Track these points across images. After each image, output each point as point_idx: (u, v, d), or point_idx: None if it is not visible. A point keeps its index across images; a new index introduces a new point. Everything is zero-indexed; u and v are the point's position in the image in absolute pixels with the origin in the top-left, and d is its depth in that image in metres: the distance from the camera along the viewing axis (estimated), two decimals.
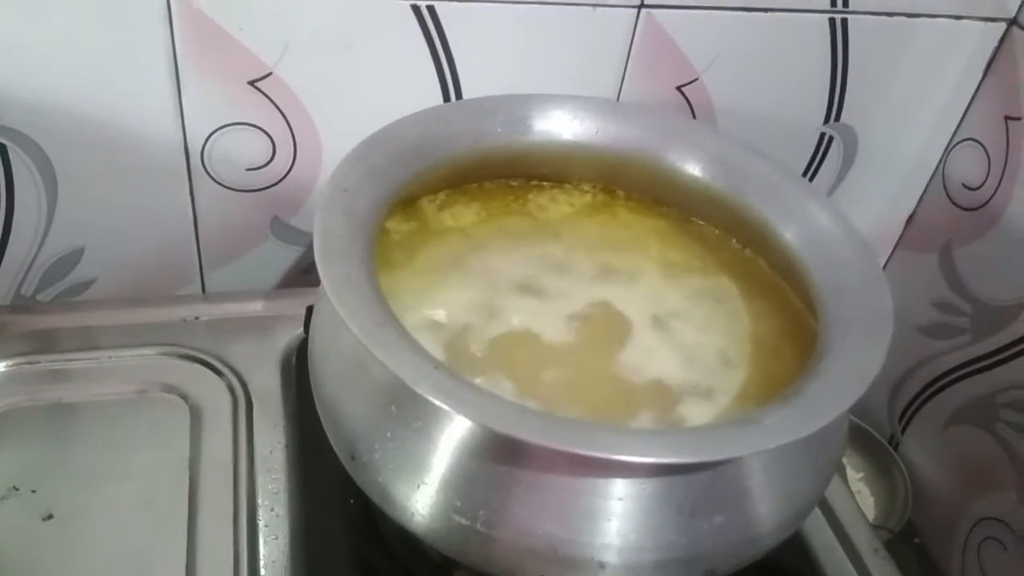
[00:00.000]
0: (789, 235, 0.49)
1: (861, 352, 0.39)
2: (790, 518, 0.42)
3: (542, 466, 0.37)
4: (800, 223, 0.49)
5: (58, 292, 0.62)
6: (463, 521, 0.38)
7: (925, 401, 0.76)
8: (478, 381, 0.44)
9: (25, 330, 0.58)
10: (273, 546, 0.47)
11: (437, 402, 0.34)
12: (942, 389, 0.74)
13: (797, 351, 0.47)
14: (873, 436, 0.78)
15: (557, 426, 0.36)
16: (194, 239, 0.62)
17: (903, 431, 0.78)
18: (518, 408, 0.37)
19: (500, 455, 0.37)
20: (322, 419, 0.44)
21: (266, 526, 0.48)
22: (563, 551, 0.37)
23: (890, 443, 0.78)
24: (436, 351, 0.45)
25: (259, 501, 0.49)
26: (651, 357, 0.46)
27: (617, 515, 0.37)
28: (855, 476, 0.78)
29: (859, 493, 0.77)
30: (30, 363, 0.56)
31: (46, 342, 0.57)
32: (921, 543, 0.75)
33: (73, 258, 0.61)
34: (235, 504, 0.49)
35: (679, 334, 0.48)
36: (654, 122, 0.53)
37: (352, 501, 0.49)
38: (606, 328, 0.48)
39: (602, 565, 0.37)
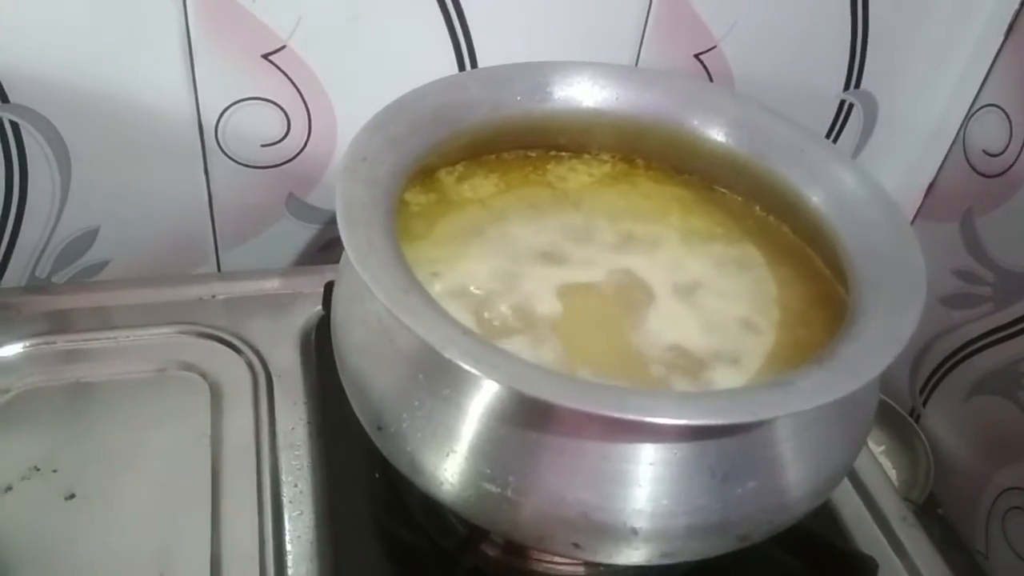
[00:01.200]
0: (816, 199, 0.48)
1: (895, 313, 0.38)
2: (822, 484, 0.41)
3: (572, 431, 0.36)
4: (826, 186, 0.48)
5: (73, 273, 0.62)
6: (493, 488, 0.37)
7: (947, 373, 0.75)
8: (506, 347, 0.43)
9: (41, 311, 0.58)
10: (298, 522, 0.47)
11: (466, 366, 0.34)
12: (964, 360, 0.73)
13: (827, 317, 0.46)
14: (894, 409, 0.77)
15: (587, 389, 0.36)
16: (209, 218, 0.62)
17: (924, 403, 0.77)
18: (547, 372, 0.37)
19: (530, 420, 0.37)
20: (347, 391, 0.43)
21: (290, 502, 0.48)
22: (594, 517, 0.37)
23: (911, 416, 0.78)
24: (463, 318, 0.45)
25: (282, 478, 0.49)
26: (674, 325, 0.46)
27: (648, 480, 0.37)
28: (876, 449, 0.77)
29: (881, 466, 0.76)
30: (47, 343, 0.55)
31: (62, 323, 0.57)
32: (944, 515, 0.74)
33: (87, 239, 0.61)
34: (258, 481, 0.49)
35: (702, 301, 0.47)
36: (674, 87, 0.53)
37: (377, 475, 0.49)
38: (629, 296, 0.47)
39: (634, 531, 0.37)
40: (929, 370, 0.76)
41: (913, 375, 0.78)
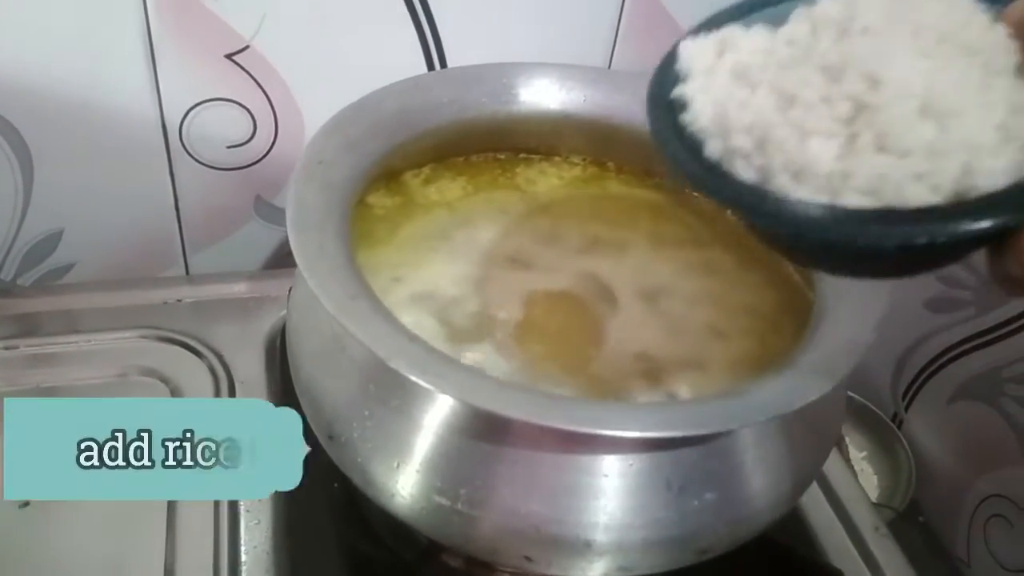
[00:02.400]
0: None
1: (856, 322, 0.38)
2: (786, 494, 0.40)
3: (524, 443, 0.36)
4: None
5: (38, 276, 0.61)
6: (444, 501, 0.37)
7: (929, 377, 0.74)
8: (468, 354, 0.43)
9: (5, 314, 0.57)
10: (255, 531, 0.46)
11: (412, 377, 0.33)
12: (946, 364, 0.72)
13: (797, 324, 0.45)
14: (876, 414, 0.76)
15: (537, 401, 0.35)
16: (176, 220, 0.61)
17: (907, 408, 0.76)
18: (497, 383, 0.36)
19: (481, 432, 0.36)
20: (300, 399, 0.43)
21: (247, 511, 0.47)
22: (548, 530, 0.36)
23: (893, 420, 0.77)
24: (425, 323, 0.44)
25: None
26: (638, 330, 0.45)
27: (603, 492, 0.36)
28: (858, 455, 0.76)
29: (862, 472, 0.75)
30: (9, 348, 0.55)
31: (26, 326, 0.56)
32: (926, 522, 0.73)
33: (52, 241, 0.60)
34: None
35: (668, 307, 0.46)
36: (644, 89, 0.52)
37: (336, 485, 0.48)
38: (594, 301, 0.47)
39: (588, 544, 0.36)
40: (911, 375, 0.75)
41: (895, 379, 0.77)
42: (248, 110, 0.57)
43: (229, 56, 0.54)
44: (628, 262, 0.49)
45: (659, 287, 0.48)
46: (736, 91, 0.27)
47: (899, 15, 0.26)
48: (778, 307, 0.48)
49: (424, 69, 0.58)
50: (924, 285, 0.72)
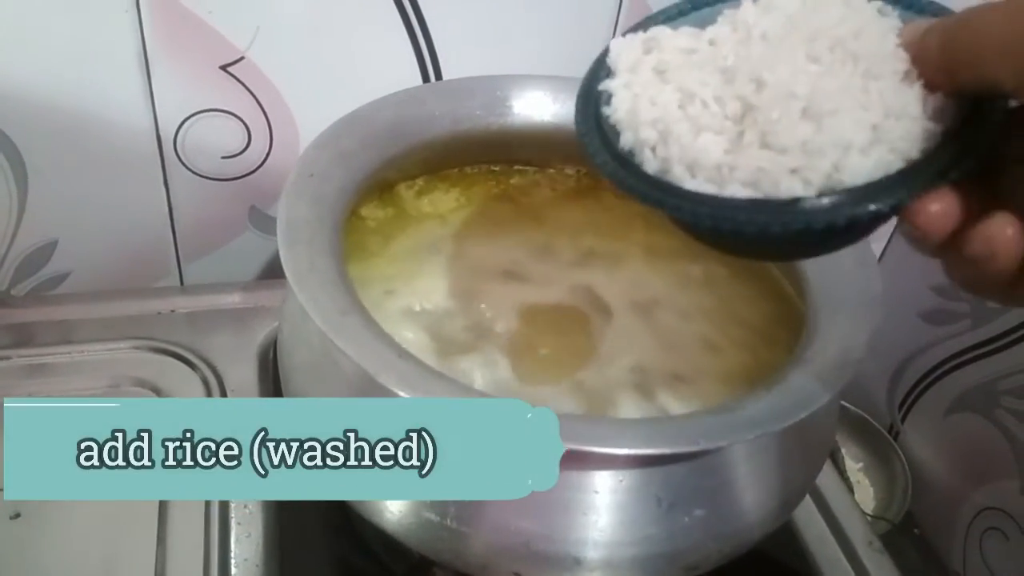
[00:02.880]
0: None
1: (846, 339, 0.37)
2: (776, 509, 0.40)
3: None
4: None
5: (33, 286, 0.61)
6: (433, 517, 0.36)
7: (925, 389, 0.74)
8: (461, 367, 0.43)
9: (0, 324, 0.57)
10: (246, 544, 0.46)
11: (401, 393, 0.33)
12: (942, 376, 0.72)
13: (790, 337, 0.45)
14: (872, 425, 0.76)
15: None
16: (170, 230, 0.61)
17: (903, 420, 0.76)
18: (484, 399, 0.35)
19: None
20: None
21: (239, 523, 0.47)
22: (537, 547, 0.36)
23: (890, 432, 0.76)
24: (417, 337, 0.44)
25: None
26: (631, 343, 0.45)
27: (593, 508, 0.36)
28: (854, 466, 0.76)
29: (858, 483, 0.75)
30: (2, 359, 0.54)
31: (20, 336, 0.56)
32: (921, 534, 0.73)
33: (47, 251, 0.60)
34: (207, 501, 0.47)
35: (661, 320, 0.46)
36: None
37: None
38: (587, 314, 0.47)
39: (578, 561, 0.36)
40: (908, 386, 0.75)
41: (891, 391, 0.77)
42: (243, 121, 0.57)
43: (224, 67, 0.54)
44: (622, 274, 0.49)
45: (653, 299, 0.48)
46: (651, 87, 0.30)
47: (799, 21, 0.28)
48: (771, 320, 0.48)
49: (419, 81, 0.58)
50: (920, 297, 0.72)
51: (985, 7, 0.25)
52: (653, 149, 0.29)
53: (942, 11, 0.28)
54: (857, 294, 0.41)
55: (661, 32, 0.31)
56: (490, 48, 0.58)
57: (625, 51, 0.31)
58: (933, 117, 0.26)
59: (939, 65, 0.26)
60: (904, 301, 0.74)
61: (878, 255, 0.74)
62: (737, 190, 0.27)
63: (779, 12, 0.29)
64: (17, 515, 0.46)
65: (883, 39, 0.27)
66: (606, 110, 0.31)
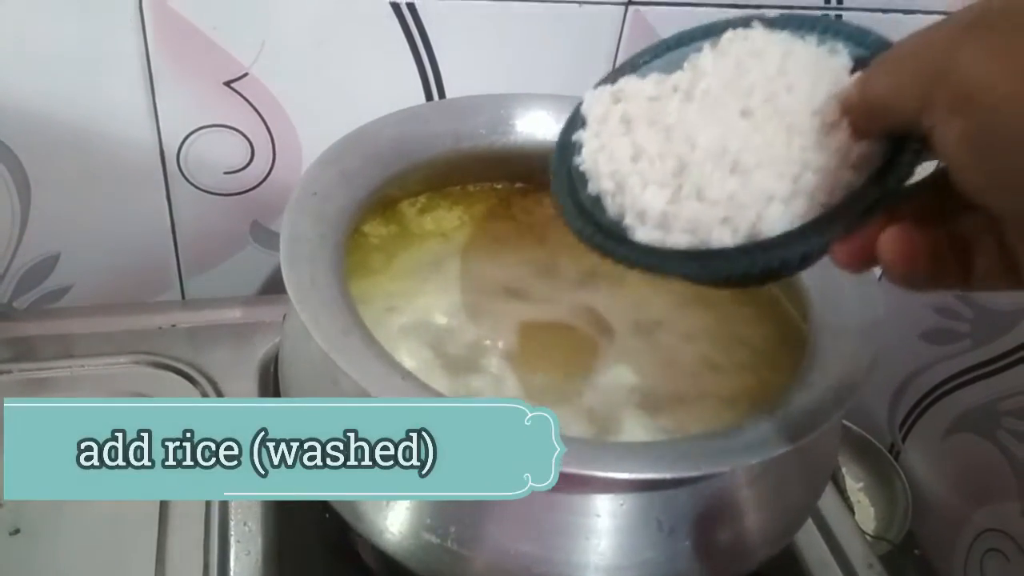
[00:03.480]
0: None
1: (848, 362, 0.37)
2: (778, 533, 0.40)
3: None
4: None
5: (34, 299, 0.61)
6: (433, 539, 0.36)
7: (926, 409, 0.74)
8: (462, 385, 0.43)
9: (1, 338, 0.57)
10: (245, 562, 0.46)
11: None
12: (943, 396, 0.72)
13: (792, 359, 0.45)
14: (873, 445, 0.76)
15: None
16: (172, 245, 0.61)
17: (904, 439, 0.76)
18: None
19: None
20: None
21: (238, 541, 0.47)
22: (538, 570, 0.36)
23: (891, 452, 0.76)
24: (420, 354, 0.44)
25: (232, 516, 0.48)
26: (633, 364, 0.45)
27: (594, 532, 0.36)
28: (855, 486, 0.76)
29: (859, 503, 0.75)
30: (3, 372, 0.54)
31: (21, 350, 0.56)
32: (922, 555, 0.73)
33: (48, 264, 0.60)
34: (206, 518, 0.47)
35: (662, 341, 0.46)
36: None
37: (328, 516, 0.47)
38: (589, 334, 0.46)
39: None
40: (908, 406, 0.75)
41: (892, 410, 0.77)
42: (246, 136, 0.57)
43: (228, 83, 0.54)
44: (624, 295, 0.49)
45: (655, 320, 0.47)
46: (615, 138, 0.33)
47: (741, 72, 0.31)
48: (773, 341, 0.48)
49: (422, 99, 0.58)
50: (921, 317, 0.72)
51: (892, 49, 0.27)
52: (612, 197, 0.32)
53: (884, 46, 0.29)
54: (859, 316, 0.41)
55: (628, 82, 0.34)
56: (493, 66, 0.58)
57: (595, 103, 0.34)
58: (857, 163, 0.28)
59: (860, 112, 0.28)
60: (905, 321, 0.74)
61: (878, 275, 0.74)
62: (679, 237, 0.30)
63: (730, 59, 0.31)
64: (17, 531, 0.46)
65: (814, 91, 0.29)
66: (577, 159, 0.34)
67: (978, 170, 0.23)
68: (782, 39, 0.31)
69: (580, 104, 0.35)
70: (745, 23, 0.32)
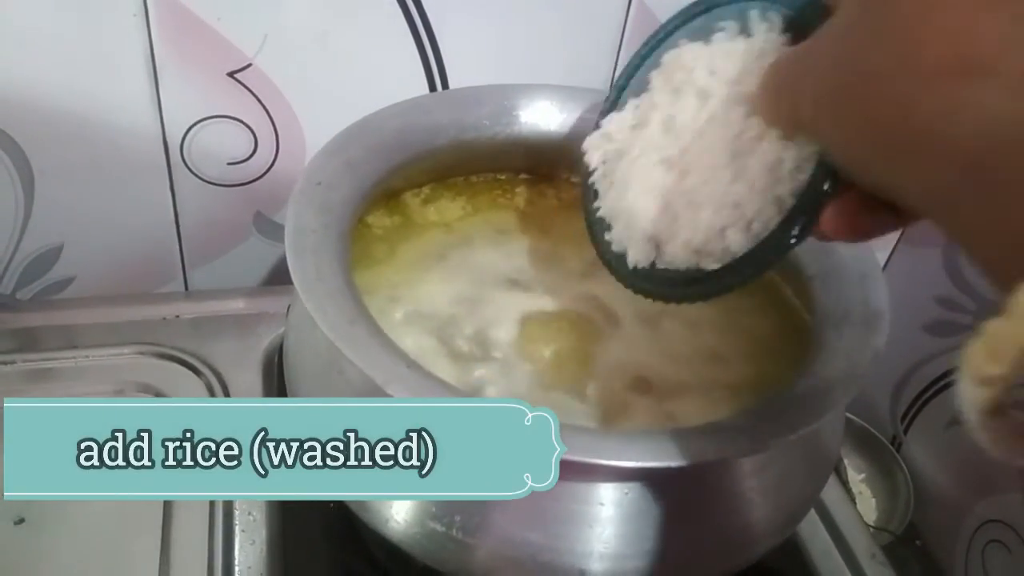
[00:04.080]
0: None
1: (852, 353, 0.37)
2: (782, 522, 0.40)
3: None
4: None
5: (38, 290, 0.61)
6: (438, 527, 0.36)
7: (928, 400, 0.74)
8: (467, 375, 0.43)
9: (3, 329, 0.57)
10: (250, 551, 0.46)
11: None
12: (945, 388, 0.72)
13: (795, 349, 0.45)
14: (875, 436, 0.76)
15: None
16: (175, 235, 0.61)
17: (906, 431, 0.76)
18: None
19: None
20: None
21: (243, 531, 0.47)
22: (542, 558, 0.36)
23: (892, 443, 0.76)
24: (424, 343, 0.44)
25: (236, 504, 0.48)
26: (637, 353, 0.45)
27: (598, 521, 0.36)
28: (856, 477, 0.76)
29: (860, 494, 0.75)
30: (7, 363, 0.54)
31: (24, 341, 0.56)
32: (923, 546, 0.73)
33: (52, 255, 0.60)
34: (211, 508, 0.47)
35: (667, 330, 0.46)
36: None
37: (332, 505, 0.48)
38: (594, 324, 0.46)
39: (583, 573, 0.36)
40: (910, 397, 0.75)
41: (894, 402, 0.77)
42: (249, 127, 0.57)
43: (231, 74, 0.54)
44: None
45: (659, 310, 0.47)
46: (605, 183, 0.40)
47: (672, 107, 0.36)
48: (778, 332, 0.48)
49: (425, 90, 0.58)
50: (924, 309, 0.72)
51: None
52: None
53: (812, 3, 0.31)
54: (863, 307, 0.41)
55: (609, 121, 0.40)
56: (497, 57, 0.58)
57: (592, 150, 0.41)
58: (798, 163, 0.30)
59: (769, 121, 0.30)
60: (907, 312, 0.73)
61: (882, 265, 0.74)
62: (668, 262, 0.36)
63: (671, 83, 0.36)
64: (21, 520, 0.46)
65: (737, 109, 0.32)
66: (596, 204, 0.41)
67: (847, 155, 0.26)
68: (711, 51, 0.34)
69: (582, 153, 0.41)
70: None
